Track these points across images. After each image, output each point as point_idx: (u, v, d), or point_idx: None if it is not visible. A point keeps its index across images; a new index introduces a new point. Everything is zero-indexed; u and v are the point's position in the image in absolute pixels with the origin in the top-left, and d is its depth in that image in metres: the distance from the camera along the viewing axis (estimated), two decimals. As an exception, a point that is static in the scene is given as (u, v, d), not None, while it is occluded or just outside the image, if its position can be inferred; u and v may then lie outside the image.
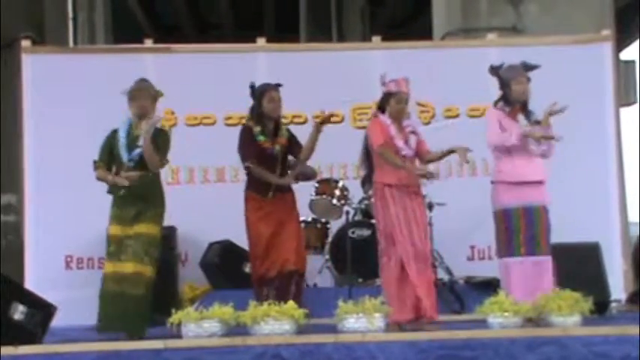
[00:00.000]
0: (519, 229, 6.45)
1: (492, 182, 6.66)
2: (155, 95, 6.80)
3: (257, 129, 6.89)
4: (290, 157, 7.09)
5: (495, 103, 6.71)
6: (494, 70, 6.69)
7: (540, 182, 6.54)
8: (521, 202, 6.46)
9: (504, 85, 6.63)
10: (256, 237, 6.85)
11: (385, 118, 6.63)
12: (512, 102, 6.59)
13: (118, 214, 6.63)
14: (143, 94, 6.73)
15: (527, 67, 6.65)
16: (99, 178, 6.77)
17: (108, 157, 6.75)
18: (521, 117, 6.59)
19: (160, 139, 6.69)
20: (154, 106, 6.80)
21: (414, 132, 6.70)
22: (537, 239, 6.46)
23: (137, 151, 6.61)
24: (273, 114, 6.93)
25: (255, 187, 6.92)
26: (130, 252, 6.49)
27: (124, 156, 6.64)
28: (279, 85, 7.00)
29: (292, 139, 7.06)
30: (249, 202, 6.93)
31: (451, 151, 6.69)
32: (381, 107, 6.71)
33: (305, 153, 7.00)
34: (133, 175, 6.55)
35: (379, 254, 6.70)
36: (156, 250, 6.62)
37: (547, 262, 6.48)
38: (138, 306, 6.38)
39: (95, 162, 6.79)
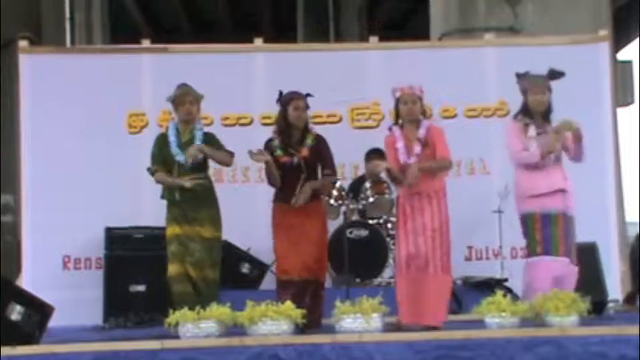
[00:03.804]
0: (534, 230, 6.45)
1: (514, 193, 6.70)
2: (198, 98, 6.86)
3: (276, 142, 6.79)
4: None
5: (516, 115, 6.68)
6: (518, 78, 6.65)
7: (561, 191, 6.52)
8: (539, 209, 6.46)
9: (523, 94, 6.62)
10: (279, 239, 6.76)
11: (395, 129, 6.63)
12: (530, 113, 6.56)
13: (177, 215, 6.72)
14: (188, 99, 6.80)
15: (552, 75, 6.57)
16: (159, 181, 6.84)
17: (161, 161, 6.83)
18: (531, 129, 6.52)
19: (213, 141, 6.85)
20: (199, 109, 6.89)
21: (421, 139, 6.60)
22: (555, 241, 6.42)
23: (184, 158, 6.71)
24: (297, 123, 6.79)
25: (280, 198, 6.82)
26: (197, 256, 6.62)
27: (180, 159, 6.72)
28: (308, 95, 6.85)
29: (318, 151, 6.88)
30: (274, 212, 6.83)
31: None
32: (396, 117, 6.70)
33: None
34: (194, 180, 6.67)
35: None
36: (219, 253, 6.79)
37: (566, 263, 6.44)
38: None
39: (150, 168, 6.87)
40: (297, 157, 6.78)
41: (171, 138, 6.80)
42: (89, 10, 18.91)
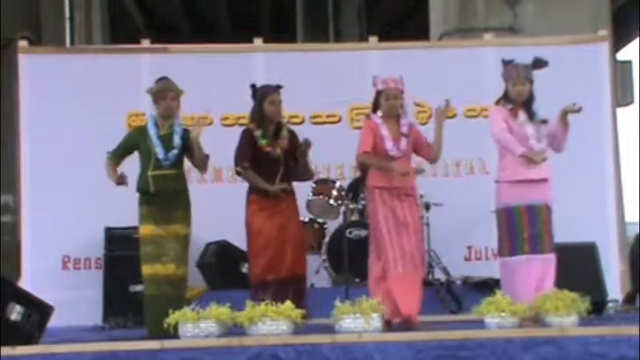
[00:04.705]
0: (522, 227, 6.39)
1: (496, 181, 6.60)
2: (179, 94, 6.81)
3: (258, 132, 6.83)
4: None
5: (498, 101, 6.67)
6: (503, 65, 6.62)
7: (544, 180, 6.48)
8: (524, 201, 6.39)
9: (505, 82, 6.60)
10: (257, 238, 6.79)
11: (376, 117, 6.65)
12: (512, 101, 6.55)
13: (150, 213, 6.66)
14: (168, 94, 6.75)
15: (536, 65, 6.53)
16: (106, 169, 6.83)
17: (122, 153, 6.84)
18: (521, 114, 6.50)
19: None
20: (179, 105, 6.82)
21: (406, 134, 6.65)
22: (541, 237, 6.39)
23: (174, 152, 6.70)
24: (274, 117, 6.88)
25: (258, 189, 6.85)
26: (172, 254, 6.58)
27: (161, 154, 6.67)
28: (279, 86, 6.94)
29: (294, 141, 7.02)
30: (252, 205, 6.86)
31: (440, 129, 6.64)
32: (375, 107, 6.72)
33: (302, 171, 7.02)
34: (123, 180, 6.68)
35: (369, 253, 6.71)
36: (188, 250, 6.78)
37: (551, 260, 6.42)
38: (178, 307, 6.07)
39: (108, 153, 6.86)
40: (279, 147, 6.81)
41: (151, 131, 6.75)
42: (89, 10, 18.88)
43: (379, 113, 6.68)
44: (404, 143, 6.61)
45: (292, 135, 7.04)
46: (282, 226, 6.80)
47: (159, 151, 6.68)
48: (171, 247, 6.61)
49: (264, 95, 6.87)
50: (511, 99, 6.55)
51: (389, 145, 6.56)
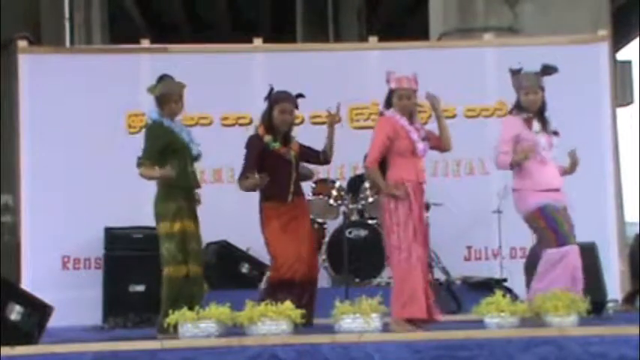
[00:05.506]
0: (561, 220, 6.34)
1: (515, 190, 6.53)
2: (182, 94, 6.66)
3: (268, 137, 6.71)
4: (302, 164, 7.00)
5: (511, 111, 6.65)
6: (511, 74, 6.59)
7: (560, 190, 6.50)
8: (552, 201, 6.39)
9: (516, 91, 6.58)
10: (277, 242, 6.66)
11: (392, 113, 6.48)
12: (525, 110, 6.53)
13: (182, 209, 6.51)
14: (173, 99, 6.60)
15: (545, 72, 6.51)
16: (144, 176, 6.56)
17: (158, 154, 6.52)
18: (535, 123, 6.48)
19: None
20: (182, 105, 6.70)
21: (424, 138, 6.53)
22: (573, 230, 6.42)
23: (201, 151, 6.69)
24: (281, 126, 6.74)
25: (274, 196, 6.73)
26: (197, 252, 6.55)
27: (196, 151, 6.65)
28: (300, 95, 6.81)
29: (303, 146, 6.93)
30: (267, 212, 6.74)
31: (441, 119, 6.59)
32: (388, 105, 6.59)
33: (330, 152, 6.95)
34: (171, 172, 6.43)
35: (394, 249, 6.34)
36: None
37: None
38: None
39: (141, 159, 6.56)
40: (292, 150, 6.77)
41: (177, 129, 6.62)
42: (88, 10, 18.89)
43: (392, 110, 6.55)
44: (427, 142, 6.51)
45: (300, 143, 6.94)
46: (298, 229, 6.72)
47: (193, 147, 6.64)
48: (195, 246, 6.54)
49: (275, 102, 6.73)
50: (524, 108, 6.53)
51: (414, 136, 6.41)
